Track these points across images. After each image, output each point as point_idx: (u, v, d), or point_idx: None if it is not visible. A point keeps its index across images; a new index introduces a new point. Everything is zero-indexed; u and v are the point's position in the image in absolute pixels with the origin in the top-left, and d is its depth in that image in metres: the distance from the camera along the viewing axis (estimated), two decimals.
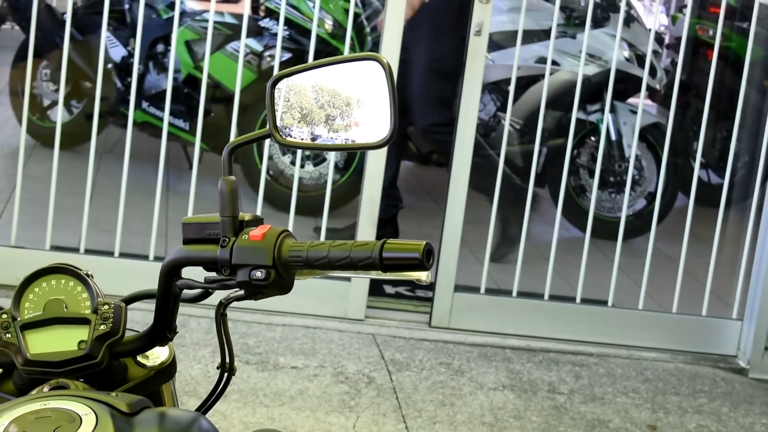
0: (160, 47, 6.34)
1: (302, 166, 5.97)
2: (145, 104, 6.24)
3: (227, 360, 1.57)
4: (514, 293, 4.97)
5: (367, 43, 6.12)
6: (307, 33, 5.72)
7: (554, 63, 5.97)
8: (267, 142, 4.79)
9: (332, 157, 5.38)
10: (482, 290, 4.94)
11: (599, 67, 6.23)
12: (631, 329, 4.99)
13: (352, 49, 5.16)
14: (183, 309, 1.59)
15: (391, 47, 4.68)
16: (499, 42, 6.24)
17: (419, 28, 5.70)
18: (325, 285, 4.75)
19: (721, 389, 4.67)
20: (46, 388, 1.43)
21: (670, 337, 5.00)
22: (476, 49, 4.78)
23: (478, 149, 5.35)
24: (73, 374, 1.47)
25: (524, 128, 6.31)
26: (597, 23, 6.25)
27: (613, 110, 6.23)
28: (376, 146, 1.52)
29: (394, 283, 5.24)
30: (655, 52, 6.51)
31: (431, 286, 4.92)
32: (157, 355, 1.58)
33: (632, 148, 5.32)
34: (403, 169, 7.48)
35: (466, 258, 5.12)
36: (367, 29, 6.16)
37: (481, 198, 5.34)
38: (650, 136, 6.34)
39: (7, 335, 1.48)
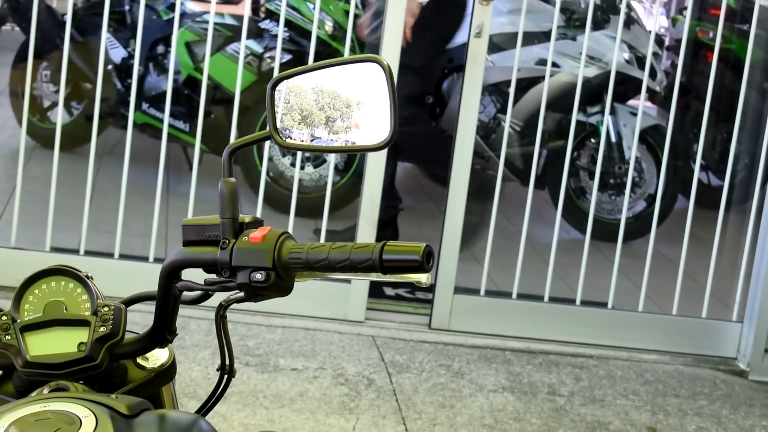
0: (160, 48, 6.34)
1: (302, 168, 5.97)
2: (145, 105, 6.24)
3: (227, 362, 1.57)
4: (514, 295, 4.96)
5: (367, 44, 6.12)
6: (307, 34, 5.72)
7: (554, 65, 5.97)
8: (267, 143, 4.79)
9: (332, 158, 5.38)
10: (482, 292, 4.94)
11: (599, 69, 6.23)
12: (631, 331, 4.99)
13: (353, 50, 5.16)
14: (183, 311, 1.59)
15: (391, 49, 4.68)
16: (499, 44, 6.24)
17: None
18: (325, 287, 4.75)
19: (721, 391, 4.67)
20: (45, 390, 1.43)
21: (670, 339, 5.00)
22: (476, 50, 4.78)
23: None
24: (73, 376, 1.47)
25: (524, 130, 6.32)
26: (597, 25, 6.25)
27: (613, 112, 6.23)
28: (376, 148, 1.52)
29: (394, 285, 5.24)
30: (655, 54, 6.50)
31: (431, 288, 4.92)
32: (156, 357, 1.58)
33: (632, 150, 5.32)
34: (403, 170, 7.48)
35: (466, 260, 5.12)
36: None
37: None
38: (650, 138, 6.34)
39: (7, 337, 1.48)
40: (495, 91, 6.42)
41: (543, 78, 5.26)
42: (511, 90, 5.12)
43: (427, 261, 1.40)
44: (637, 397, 4.48)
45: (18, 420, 1.30)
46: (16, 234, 4.70)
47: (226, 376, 1.58)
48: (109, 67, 6.31)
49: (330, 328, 4.73)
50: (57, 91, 6.45)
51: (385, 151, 4.77)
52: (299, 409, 3.97)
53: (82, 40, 6.40)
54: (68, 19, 4.81)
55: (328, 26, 6.20)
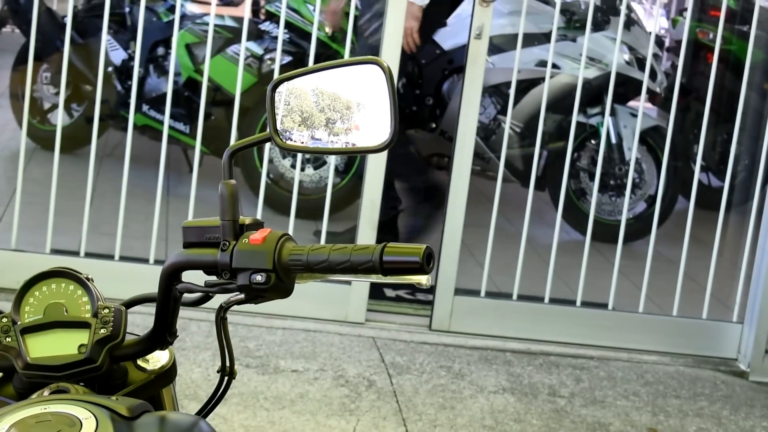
0: (160, 50, 6.35)
1: (302, 170, 5.97)
2: (145, 107, 6.24)
3: (227, 363, 1.57)
4: (515, 296, 4.97)
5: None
6: (307, 36, 5.72)
7: (554, 66, 5.97)
8: (267, 145, 4.79)
9: (332, 160, 5.38)
10: (482, 293, 4.94)
11: (599, 70, 6.24)
12: (631, 332, 4.99)
13: (353, 52, 5.16)
14: (183, 313, 1.59)
15: (391, 51, 4.68)
16: (499, 45, 6.24)
17: None
18: (326, 288, 4.75)
19: (721, 392, 4.67)
20: (46, 392, 1.43)
21: (670, 340, 5.00)
22: (476, 52, 4.78)
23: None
24: (74, 378, 1.47)
25: (524, 131, 6.32)
26: (597, 26, 6.25)
27: (613, 113, 6.23)
28: (377, 150, 1.52)
29: (395, 286, 5.24)
30: (655, 56, 6.51)
31: (431, 290, 4.91)
32: (157, 359, 1.58)
33: (632, 151, 5.32)
34: None
35: (467, 261, 5.13)
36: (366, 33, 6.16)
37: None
38: (650, 139, 6.34)
39: (8, 339, 1.48)
40: (495, 92, 6.42)
41: (543, 79, 5.25)
42: (512, 91, 5.12)
43: (427, 262, 1.40)
44: (638, 398, 4.48)
45: (18, 422, 1.30)
46: (16, 236, 4.70)
47: (226, 378, 1.58)
48: (110, 69, 6.31)
49: (330, 330, 4.73)
50: (57, 93, 6.45)
51: (385, 153, 4.77)
52: (300, 411, 3.97)
53: (82, 42, 6.40)
54: (68, 21, 4.82)
55: (328, 28, 6.20)
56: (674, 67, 7.55)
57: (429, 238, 5.66)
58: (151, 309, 1.54)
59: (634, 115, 6.09)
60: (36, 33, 4.73)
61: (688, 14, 6.51)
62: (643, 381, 4.66)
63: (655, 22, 5.71)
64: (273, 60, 6.07)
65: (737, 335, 5.02)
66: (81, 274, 1.54)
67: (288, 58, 5.99)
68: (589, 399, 4.41)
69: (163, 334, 1.54)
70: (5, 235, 4.86)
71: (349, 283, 4.75)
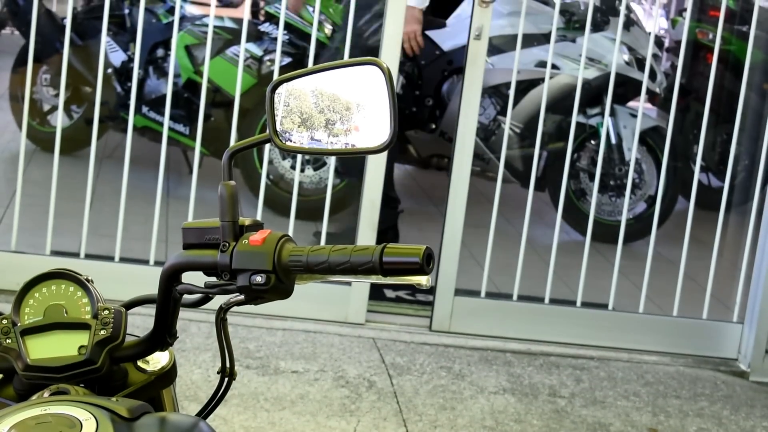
0: (160, 52, 6.35)
1: (302, 171, 5.97)
2: (145, 109, 6.24)
3: (227, 364, 1.57)
4: (515, 297, 4.97)
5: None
6: (306, 37, 5.72)
7: (554, 67, 5.97)
8: (267, 146, 4.79)
9: (332, 161, 5.38)
10: (483, 294, 4.94)
11: (599, 70, 6.24)
12: (631, 332, 4.99)
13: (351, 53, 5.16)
14: (183, 314, 1.59)
15: (390, 52, 4.68)
16: (498, 46, 6.24)
17: None
18: (326, 289, 4.75)
19: (721, 392, 4.67)
20: (46, 394, 1.43)
21: (670, 340, 5.00)
22: (476, 53, 4.78)
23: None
24: (74, 379, 1.47)
25: (524, 132, 6.32)
26: (597, 27, 6.25)
27: (613, 114, 6.23)
28: (376, 151, 1.52)
29: (395, 287, 5.24)
30: (654, 56, 6.51)
31: (432, 290, 4.91)
32: (157, 360, 1.58)
33: (632, 151, 5.32)
34: (404, 173, 7.49)
35: (467, 262, 5.13)
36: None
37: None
38: (650, 139, 6.34)
39: (8, 341, 1.48)
40: (495, 93, 6.43)
41: (543, 80, 5.25)
42: (511, 92, 5.12)
43: (427, 263, 1.40)
44: (638, 399, 4.48)
45: (18, 423, 1.30)
46: (16, 238, 4.70)
47: (226, 379, 1.58)
48: (109, 70, 6.31)
49: (330, 331, 4.73)
50: (57, 95, 6.45)
51: (385, 154, 4.77)
52: (300, 412, 3.97)
53: (81, 43, 6.40)
54: (68, 22, 4.82)
55: (328, 29, 6.21)
56: (674, 67, 7.55)
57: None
58: (151, 310, 1.54)
59: (634, 116, 6.09)
60: (35, 35, 4.73)
61: (688, 14, 6.51)
62: (643, 381, 4.66)
63: (654, 22, 5.71)
64: (272, 61, 6.07)
65: (737, 335, 5.02)
66: (81, 275, 1.54)
67: (287, 60, 5.99)
68: (589, 399, 4.41)
69: (163, 336, 1.54)
70: (5, 236, 4.86)
71: (349, 284, 4.75)
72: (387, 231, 5.34)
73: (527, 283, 5.00)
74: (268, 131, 1.54)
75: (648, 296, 5.05)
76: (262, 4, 6.92)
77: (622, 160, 6.30)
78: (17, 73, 6.53)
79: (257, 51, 6.21)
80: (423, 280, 1.47)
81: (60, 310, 1.51)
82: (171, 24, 5.60)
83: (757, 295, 4.95)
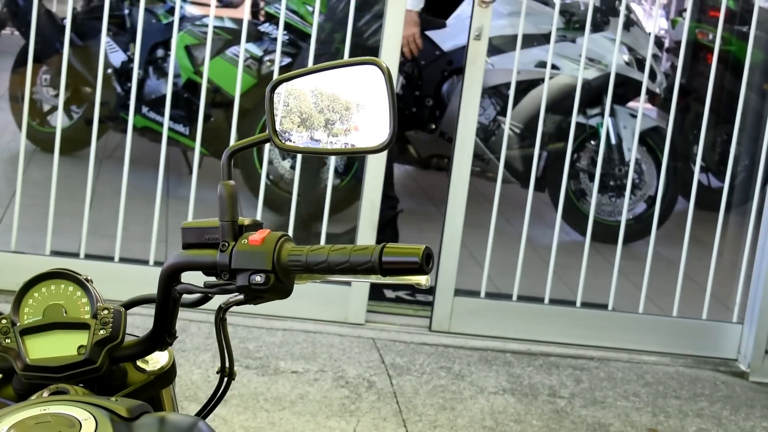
0: (159, 52, 6.35)
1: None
2: (145, 109, 6.24)
3: (227, 364, 1.57)
4: (515, 297, 4.97)
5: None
6: (306, 37, 5.72)
7: (554, 67, 5.97)
8: (267, 146, 4.79)
9: (332, 161, 5.38)
10: (482, 294, 4.94)
11: (599, 71, 6.24)
12: (631, 333, 4.99)
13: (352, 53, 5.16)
14: (183, 314, 1.59)
15: (390, 51, 4.68)
16: (498, 46, 6.24)
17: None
18: (325, 289, 4.75)
19: (721, 393, 4.67)
20: (45, 393, 1.43)
21: (670, 340, 5.00)
22: (476, 53, 4.78)
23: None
24: (73, 379, 1.47)
25: (524, 132, 6.32)
26: (597, 27, 6.26)
27: (613, 114, 6.23)
28: (376, 150, 1.52)
29: (394, 287, 5.24)
30: (654, 56, 6.51)
31: (431, 290, 4.92)
32: (156, 360, 1.58)
33: (632, 151, 5.32)
34: (404, 173, 7.49)
35: (467, 262, 5.13)
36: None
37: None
38: (650, 139, 6.34)
39: (7, 340, 1.48)
40: (495, 93, 6.43)
41: (543, 80, 5.25)
42: (511, 92, 5.12)
43: (426, 263, 1.40)
44: (638, 399, 4.48)
45: (18, 423, 1.30)
46: (16, 238, 4.70)
47: (226, 379, 1.58)
48: (109, 71, 6.31)
49: (330, 331, 4.73)
50: (57, 95, 6.45)
51: (384, 153, 4.77)
52: (300, 412, 3.97)
53: (81, 44, 6.40)
54: (68, 23, 4.82)
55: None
56: (674, 67, 7.55)
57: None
58: (150, 310, 1.54)
59: (634, 116, 6.09)
60: (35, 35, 4.73)
61: (688, 15, 6.51)
62: (643, 381, 4.66)
63: (654, 22, 5.71)
64: (272, 61, 6.07)
65: (737, 336, 5.02)
66: (80, 275, 1.54)
67: (287, 60, 5.99)
68: (589, 399, 4.41)
69: (162, 335, 1.54)
70: (5, 236, 4.86)
71: (349, 284, 4.75)
72: (386, 231, 5.33)
73: (527, 283, 5.00)
74: (267, 131, 1.53)
75: (648, 296, 5.05)
76: (262, 4, 6.92)
77: (622, 161, 6.30)
78: (17, 73, 6.53)
79: (257, 51, 6.21)
80: (422, 280, 1.47)
81: (59, 309, 1.51)
82: (171, 24, 5.60)
83: (756, 296, 4.95)
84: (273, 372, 4.27)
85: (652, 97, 6.92)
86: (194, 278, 1.51)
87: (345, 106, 1.52)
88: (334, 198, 5.05)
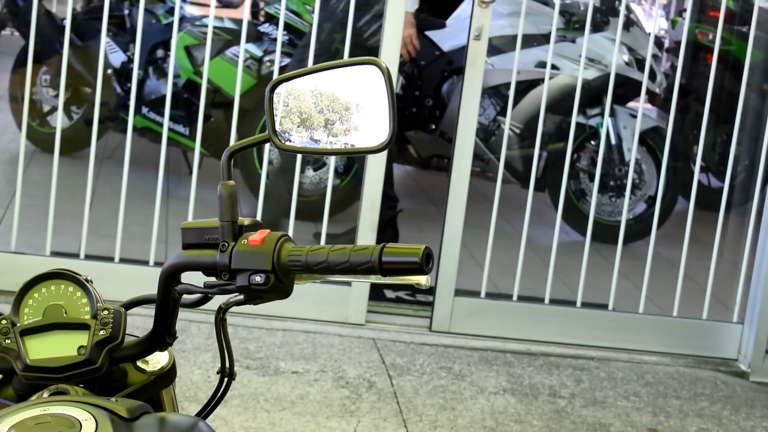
0: (159, 52, 6.35)
1: (302, 171, 5.96)
2: (144, 109, 6.24)
3: (227, 365, 1.57)
4: (515, 297, 4.96)
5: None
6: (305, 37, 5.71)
7: (554, 67, 5.97)
8: (267, 146, 4.79)
9: (332, 161, 5.38)
10: (483, 294, 4.94)
11: (599, 71, 6.24)
12: (631, 333, 4.99)
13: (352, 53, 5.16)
14: (184, 314, 1.59)
15: (390, 51, 4.68)
16: (498, 46, 6.24)
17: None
18: (326, 290, 4.75)
19: (722, 393, 4.67)
20: (45, 394, 1.43)
21: (670, 340, 5.00)
22: (476, 53, 4.78)
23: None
24: (73, 380, 1.47)
25: (524, 132, 6.32)
26: (596, 27, 6.26)
27: (612, 114, 6.23)
28: (376, 150, 1.52)
29: (395, 287, 5.24)
30: (654, 56, 6.51)
31: (432, 291, 4.92)
32: (156, 360, 1.58)
33: (632, 152, 5.32)
34: (404, 173, 7.49)
35: (467, 262, 5.12)
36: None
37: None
38: (650, 139, 6.34)
39: (7, 341, 1.48)
40: (495, 93, 6.43)
41: (542, 80, 5.25)
42: (511, 92, 5.12)
43: (426, 263, 1.39)
44: (638, 399, 4.48)
45: (18, 423, 1.30)
46: (16, 238, 4.70)
47: (226, 379, 1.58)
48: (109, 71, 6.31)
49: (330, 331, 4.73)
50: (57, 96, 6.45)
51: (384, 153, 4.77)
52: (300, 412, 3.96)
53: (81, 44, 6.40)
54: (68, 23, 4.82)
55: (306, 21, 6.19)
56: (674, 67, 7.55)
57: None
58: (150, 310, 1.54)
59: (634, 116, 6.09)
60: (35, 35, 4.73)
61: (687, 15, 6.51)
62: (643, 381, 4.66)
63: (654, 22, 5.71)
64: (272, 62, 6.06)
65: (737, 336, 5.02)
66: (80, 275, 1.54)
67: (287, 60, 5.99)
68: (589, 400, 4.41)
69: (162, 336, 1.54)
70: (5, 237, 4.86)
71: (349, 284, 4.75)
72: (386, 230, 5.33)
73: (527, 283, 5.00)
74: (267, 131, 1.53)
75: (648, 296, 5.05)
76: (261, 4, 6.91)
77: (621, 161, 6.30)
78: (17, 73, 6.53)
79: (257, 51, 6.21)
80: (422, 280, 1.47)
81: (59, 310, 1.51)
82: (171, 25, 5.60)
83: (757, 296, 4.95)
84: (273, 372, 4.27)
85: (652, 97, 6.92)
86: (194, 278, 1.51)
87: (345, 106, 1.52)
88: (333, 199, 5.04)
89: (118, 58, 6.42)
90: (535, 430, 4.08)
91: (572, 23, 6.39)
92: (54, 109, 6.57)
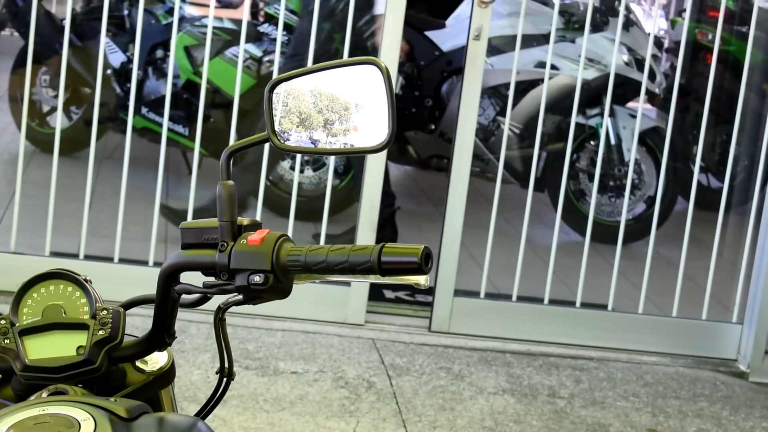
0: (159, 53, 6.35)
1: (302, 171, 5.96)
2: (144, 110, 6.24)
3: (226, 365, 1.57)
4: (514, 297, 4.96)
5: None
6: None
7: (553, 67, 5.97)
8: (266, 146, 4.79)
9: (332, 161, 5.38)
10: (482, 295, 4.94)
11: (598, 71, 6.24)
12: (631, 333, 4.99)
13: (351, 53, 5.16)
14: (183, 314, 1.59)
15: (389, 51, 4.68)
16: (498, 46, 6.24)
17: None
18: (325, 290, 4.75)
19: (721, 393, 4.67)
20: (44, 394, 1.43)
21: (670, 341, 5.00)
22: (475, 53, 4.78)
23: None
24: (72, 380, 1.47)
25: (524, 132, 6.32)
26: (596, 27, 6.26)
27: (612, 114, 6.23)
28: (375, 150, 1.52)
29: (394, 287, 5.24)
30: (654, 56, 6.51)
31: (431, 291, 4.92)
32: (155, 360, 1.58)
33: (632, 152, 5.32)
34: (403, 173, 7.49)
35: (466, 262, 5.12)
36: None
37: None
38: (650, 140, 6.35)
39: (6, 341, 1.48)
40: (494, 93, 6.43)
41: (542, 80, 5.25)
42: (510, 92, 5.12)
43: (425, 263, 1.39)
44: (638, 399, 4.48)
45: (17, 424, 1.30)
46: (15, 239, 4.70)
47: (225, 380, 1.58)
48: (108, 71, 6.31)
49: (330, 331, 4.73)
50: (56, 96, 6.45)
51: (384, 153, 4.77)
52: (299, 413, 3.96)
53: (81, 44, 6.40)
54: (67, 24, 4.82)
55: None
56: (673, 67, 7.55)
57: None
58: (149, 310, 1.54)
59: (633, 116, 6.09)
60: (35, 36, 4.73)
61: (687, 15, 6.51)
62: (642, 382, 4.66)
63: (653, 23, 5.71)
64: (272, 62, 6.06)
65: (737, 336, 5.02)
66: (79, 275, 1.54)
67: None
68: (588, 400, 4.41)
69: (161, 336, 1.54)
70: (4, 237, 4.86)
71: (348, 284, 4.75)
72: (385, 228, 5.33)
73: (527, 283, 5.00)
74: (266, 131, 1.53)
75: (647, 297, 5.05)
76: (261, 5, 6.91)
77: (621, 161, 6.30)
78: (16, 74, 6.53)
79: (257, 52, 6.21)
80: (421, 280, 1.47)
81: (58, 310, 1.51)
82: (170, 25, 5.60)
83: (756, 296, 4.95)
84: (272, 372, 4.27)
85: (651, 97, 6.92)
86: (193, 278, 1.51)
87: (344, 106, 1.52)
88: (334, 199, 5.04)
89: (117, 58, 6.42)
90: (534, 431, 4.08)
91: (572, 23, 6.39)
92: (53, 109, 6.57)
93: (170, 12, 6.24)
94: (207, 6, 5.11)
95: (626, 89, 6.28)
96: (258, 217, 4.56)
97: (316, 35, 4.88)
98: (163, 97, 5.17)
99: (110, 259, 4.75)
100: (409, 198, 6.91)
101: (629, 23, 6.50)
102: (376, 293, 5.04)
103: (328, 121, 1.52)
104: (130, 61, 6.36)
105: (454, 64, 6.64)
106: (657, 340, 4.99)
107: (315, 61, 4.85)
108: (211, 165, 5.91)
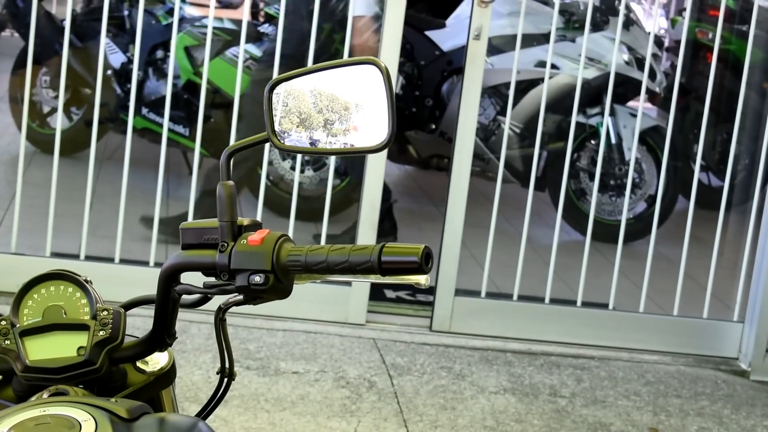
0: (159, 53, 6.35)
1: (302, 171, 5.96)
2: (144, 110, 6.24)
3: (227, 365, 1.57)
4: (515, 297, 4.96)
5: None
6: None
7: (554, 67, 5.97)
8: (267, 147, 4.79)
9: (332, 161, 5.38)
10: (483, 294, 4.94)
11: (599, 70, 6.24)
12: (632, 332, 4.99)
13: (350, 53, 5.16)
14: (184, 315, 1.59)
15: (389, 51, 4.68)
16: (498, 46, 6.24)
17: None
18: (326, 290, 4.75)
19: (722, 392, 4.67)
20: (45, 395, 1.43)
21: (671, 339, 5.00)
22: (475, 53, 4.78)
23: None
24: (73, 380, 1.47)
25: (524, 132, 6.32)
26: (596, 27, 6.26)
27: (612, 113, 6.23)
28: (375, 150, 1.52)
29: (395, 287, 5.24)
30: (654, 56, 6.51)
31: (432, 290, 4.92)
32: (156, 361, 1.58)
33: (632, 151, 5.32)
34: (403, 173, 7.49)
35: (467, 262, 5.12)
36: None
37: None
38: (650, 139, 6.34)
39: (7, 342, 1.48)
40: (494, 93, 6.43)
41: (542, 80, 5.25)
42: (511, 92, 5.12)
43: (425, 262, 1.39)
44: (639, 398, 4.48)
45: (18, 424, 1.30)
46: (16, 239, 4.70)
47: (226, 380, 1.58)
48: (109, 72, 6.31)
49: (331, 331, 4.73)
50: (56, 97, 6.45)
51: (384, 153, 4.77)
52: (300, 413, 3.96)
53: (81, 45, 6.40)
54: (67, 24, 4.82)
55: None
56: (673, 67, 7.55)
57: None
58: (150, 311, 1.54)
59: (634, 115, 6.09)
60: (35, 36, 4.73)
61: (687, 14, 6.51)
62: (644, 381, 4.66)
63: (654, 22, 5.71)
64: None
65: (738, 334, 5.02)
66: (79, 276, 1.54)
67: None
68: (590, 399, 4.41)
69: (162, 336, 1.54)
70: (5, 238, 4.86)
71: (349, 284, 4.75)
72: (383, 222, 5.32)
73: (527, 283, 5.00)
74: (266, 131, 1.53)
75: (648, 296, 5.05)
76: (261, 5, 6.91)
77: (622, 160, 6.30)
78: (17, 74, 6.53)
79: (257, 52, 6.21)
80: (422, 280, 1.46)
81: (59, 311, 1.51)
82: (170, 25, 5.60)
83: (757, 294, 4.95)
84: (273, 373, 4.27)
85: (652, 96, 6.92)
86: (194, 279, 1.51)
87: (344, 106, 1.52)
88: (334, 199, 5.04)
89: (117, 58, 6.42)
90: (535, 430, 4.08)
91: (572, 23, 6.39)
92: (54, 110, 6.57)
93: (170, 12, 6.24)
94: (207, 6, 5.11)
95: (627, 88, 6.28)
96: (258, 217, 4.56)
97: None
98: (164, 98, 5.17)
99: (111, 260, 4.75)
100: (410, 198, 6.91)
101: (629, 22, 6.50)
102: (377, 293, 5.04)
103: (328, 121, 1.52)
104: (130, 61, 6.36)
105: (454, 63, 6.64)
106: (658, 338, 4.99)
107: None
108: (212, 165, 5.91)
